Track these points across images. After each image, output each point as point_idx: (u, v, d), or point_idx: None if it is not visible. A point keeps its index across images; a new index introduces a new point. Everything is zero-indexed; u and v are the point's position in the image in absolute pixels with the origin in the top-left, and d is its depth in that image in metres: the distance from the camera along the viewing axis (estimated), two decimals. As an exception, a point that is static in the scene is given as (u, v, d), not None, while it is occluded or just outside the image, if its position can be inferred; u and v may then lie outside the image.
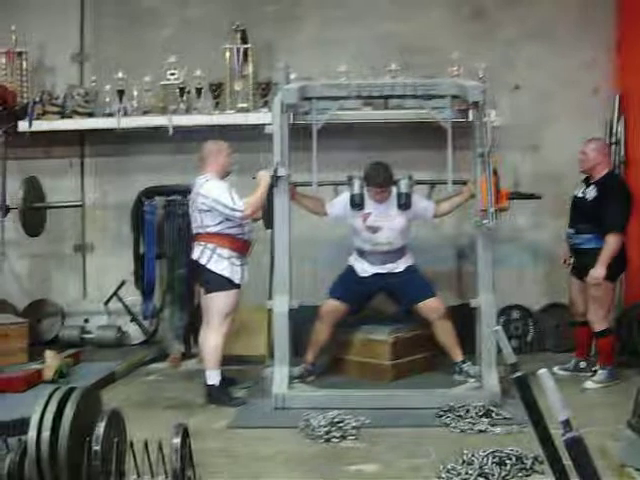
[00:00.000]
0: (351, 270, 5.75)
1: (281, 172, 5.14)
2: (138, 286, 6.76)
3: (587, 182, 5.63)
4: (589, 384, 5.47)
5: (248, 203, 5.13)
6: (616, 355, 5.93)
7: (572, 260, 5.81)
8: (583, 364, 5.84)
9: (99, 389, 4.73)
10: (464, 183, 5.57)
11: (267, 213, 5.33)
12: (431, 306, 5.57)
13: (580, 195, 5.64)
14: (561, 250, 6.03)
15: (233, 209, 5.10)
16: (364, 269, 5.68)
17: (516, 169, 6.79)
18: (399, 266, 5.68)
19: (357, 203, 5.56)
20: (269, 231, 5.51)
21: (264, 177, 5.19)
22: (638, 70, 6.49)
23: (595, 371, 5.59)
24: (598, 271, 5.37)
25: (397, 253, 5.68)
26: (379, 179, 5.53)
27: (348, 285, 5.71)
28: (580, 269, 5.64)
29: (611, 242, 5.36)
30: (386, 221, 5.57)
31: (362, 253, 5.70)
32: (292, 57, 6.66)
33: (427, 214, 5.76)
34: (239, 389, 5.51)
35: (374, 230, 5.59)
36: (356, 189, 5.55)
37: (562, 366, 5.79)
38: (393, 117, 6.20)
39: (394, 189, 5.60)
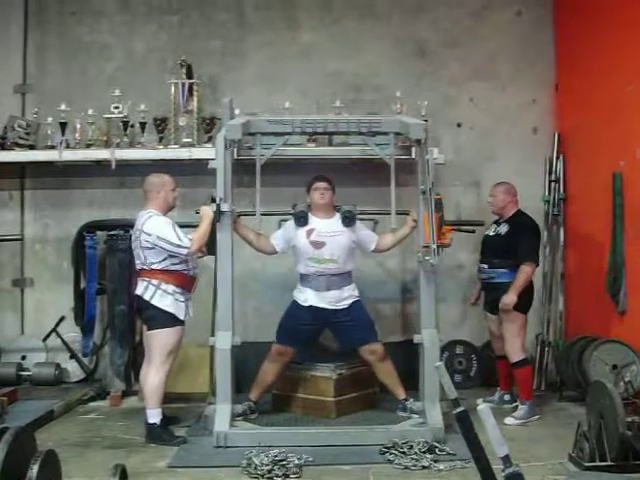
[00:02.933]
0: (295, 307, 5.63)
1: (224, 207, 5.11)
2: (78, 322, 6.62)
3: (498, 222, 5.91)
4: (510, 420, 5.52)
5: (193, 239, 5.09)
6: (557, 389, 6.06)
7: (483, 295, 6.05)
8: (507, 397, 5.98)
9: (35, 429, 4.61)
10: (406, 213, 5.60)
11: (210, 241, 5.28)
12: (369, 349, 5.55)
13: (492, 233, 5.91)
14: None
15: (179, 246, 5.05)
16: (306, 298, 5.53)
17: (458, 205, 6.89)
18: (343, 295, 5.55)
19: (301, 217, 5.55)
20: (213, 269, 5.46)
21: (207, 212, 5.16)
22: (576, 110, 6.68)
23: (517, 406, 5.69)
24: (510, 297, 5.57)
25: (341, 278, 5.54)
26: (320, 177, 5.62)
27: (293, 327, 5.61)
28: (493, 303, 5.83)
29: (525, 271, 5.61)
30: (330, 236, 5.51)
31: (306, 279, 5.57)
32: (237, 93, 6.72)
33: (370, 244, 5.71)
34: (180, 427, 5.40)
35: (318, 245, 5.49)
36: (300, 207, 5.60)
37: (487, 399, 5.85)
38: (337, 154, 6.22)
39: (337, 214, 5.62)
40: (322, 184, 5.58)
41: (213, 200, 5.08)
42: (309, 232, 5.53)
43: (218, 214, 5.08)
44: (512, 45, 7.07)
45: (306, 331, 5.62)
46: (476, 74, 7.03)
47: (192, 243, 5.06)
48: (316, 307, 5.53)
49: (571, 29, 6.74)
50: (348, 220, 5.56)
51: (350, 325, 5.56)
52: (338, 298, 5.54)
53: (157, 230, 5.08)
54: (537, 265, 5.70)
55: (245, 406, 5.46)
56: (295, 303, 5.64)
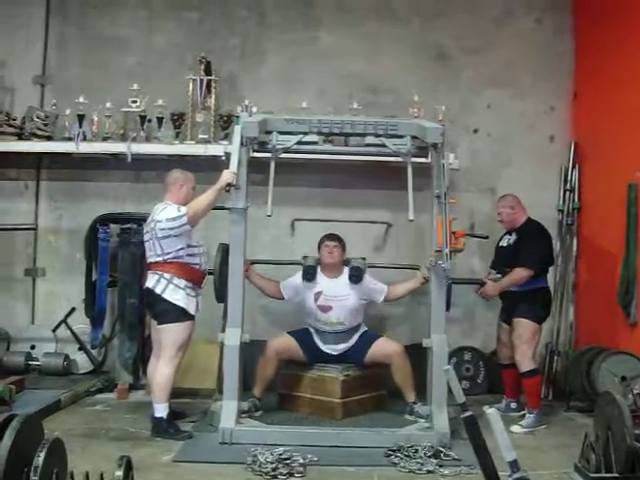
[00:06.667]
0: (309, 332, 5.81)
1: (240, 204, 5.12)
2: (88, 314, 6.64)
3: (510, 232, 5.93)
4: (516, 428, 5.50)
5: (189, 205, 5.12)
6: (565, 398, 6.07)
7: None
8: (514, 405, 5.98)
9: (42, 417, 4.61)
10: (417, 268, 5.79)
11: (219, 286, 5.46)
12: (381, 346, 5.64)
13: (505, 244, 5.94)
14: None
15: (180, 217, 5.06)
16: (317, 343, 5.76)
17: (472, 211, 6.87)
18: (351, 343, 5.74)
19: (309, 273, 5.69)
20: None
21: (223, 175, 5.07)
22: (594, 119, 6.65)
23: (524, 414, 5.69)
24: (491, 288, 5.80)
25: (350, 332, 5.73)
26: (331, 235, 5.74)
27: (306, 338, 5.75)
28: (507, 312, 5.89)
29: (517, 273, 5.67)
30: (337, 300, 5.64)
31: (316, 330, 5.77)
32: (255, 91, 6.78)
33: (378, 296, 5.84)
34: (186, 422, 5.41)
35: (325, 309, 5.65)
36: (309, 262, 5.74)
37: (494, 406, 5.80)
38: (352, 153, 6.19)
39: (346, 269, 5.72)
40: (331, 242, 5.73)
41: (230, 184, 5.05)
42: (317, 296, 5.67)
43: (229, 187, 5.03)
44: (531, 53, 7.04)
45: (318, 349, 5.77)
46: (494, 81, 7.00)
47: (188, 209, 5.08)
48: (324, 352, 5.74)
49: (590, 38, 6.72)
50: (355, 278, 5.68)
51: (356, 347, 5.73)
52: (346, 347, 5.74)
53: (164, 215, 5.12)
54: (534, 271, 5.67)
55: (250, 403, 5.47)
56: (308, 331, 5.79)
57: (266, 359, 5.61)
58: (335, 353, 5.72)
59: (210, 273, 5.50)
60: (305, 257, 5.84)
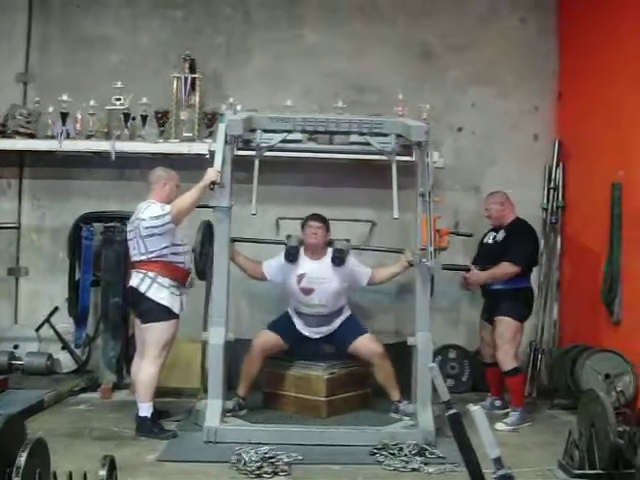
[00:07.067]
0: (289, 317, 5.78)
1: (223, 203, 5.10)
2: (71, 313, 6.60)
3: (496, 230, 5.93)
4: (501, 426, 5.50)
5: (173, 203, 5.09)
6: (549, 396, 6.07)
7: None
8: (498, 403, 6.00)
9: (25, 417, 4.59)
10: (400, 252, 5.78)
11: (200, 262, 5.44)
12: (364, 343, 5.61)
13: (490, 241, 5.94)
14: None
15: (163, 215, 5.03)
16: (299, 328, 5.73)
17: (457, 210, 6.89)
18: (334, 327, 5.72)
19: (291, 254, 5.64)
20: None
21: (208, 173, 5.03)
22: (578, 119, 6.69)
23: (508, 412, 5.70)
24: (476, 275, 5.79)
25: (332, 316, 5.72)
26: (315, 215, 5.67)
27: (287, 326, 5.73)
28: (489, 311, 5.90)
29: (503, 267, 5.65)
30: (320, 283, 5.60)
31: (298, 313, 5.75)
32: (239, 89, 6.78)
33: (362, 279, 5.81)
34: (171, 422, 5.39)
35: (307, 292, 5.62)
36: (293, 242, 5.68)
37: (478, 404, 5.82)
38: (337, 151, 6.16)
39: (330, 250, 5.68)
40: (315, 223, 5.66)
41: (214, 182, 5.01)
42: (300, 278, 5.62)
43: (213, 185, 5.00)
44: (515, 52, 7.06)
45: (298, 335, 5.74)
46: (479, 79, 7.03)
47: (172, 207, 5.05)
48: (306, 336, 5.71)
49: (575, 37, 6.75)
50: (338, 260, 5.64)
51: (339, 332, 5.71)
52: (329, 330, 5.71)
53: (148, 213, 5.09)
54: (521, 268, 5.66)
55: (234, 402, 5.45)
56: (288, 316, 5.76)
57: (251, 358, 5.59)
58: (316, 336, 5.70)
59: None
60: (289, 236, 5.78)
